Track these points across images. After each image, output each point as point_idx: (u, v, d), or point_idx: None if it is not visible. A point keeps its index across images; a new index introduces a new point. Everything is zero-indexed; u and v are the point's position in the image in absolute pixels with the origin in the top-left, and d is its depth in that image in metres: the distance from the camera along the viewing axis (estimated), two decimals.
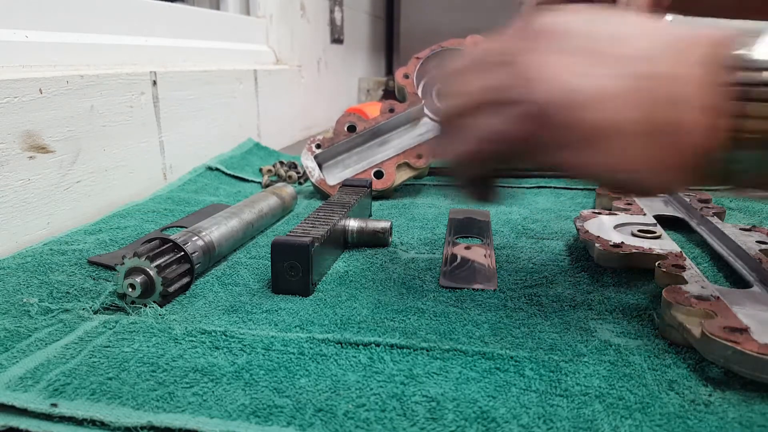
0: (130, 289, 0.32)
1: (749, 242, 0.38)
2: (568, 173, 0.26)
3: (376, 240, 0.41)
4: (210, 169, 0.66)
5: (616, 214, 0.44)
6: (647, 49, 0.24)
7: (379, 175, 0.57)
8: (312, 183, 0.58)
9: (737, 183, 0.25)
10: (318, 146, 0.58)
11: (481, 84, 0.27)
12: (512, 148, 0.26)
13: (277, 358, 0.27)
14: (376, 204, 0.56)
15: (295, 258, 0.34)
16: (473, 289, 0.35)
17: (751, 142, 0.23)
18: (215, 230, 0.39)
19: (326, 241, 0.36)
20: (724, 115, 0.23)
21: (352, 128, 0.59)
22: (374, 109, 1.05)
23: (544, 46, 0.25)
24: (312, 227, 0.37)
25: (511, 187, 0.63)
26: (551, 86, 0.24)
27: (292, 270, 0.34)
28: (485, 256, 0.40)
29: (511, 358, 0.27)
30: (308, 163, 0.57)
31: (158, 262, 0.32)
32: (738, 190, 0.25)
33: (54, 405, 0.23)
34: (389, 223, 0.41)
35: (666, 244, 0.38)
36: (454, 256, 0.40)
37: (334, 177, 0.58)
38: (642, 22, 0.26)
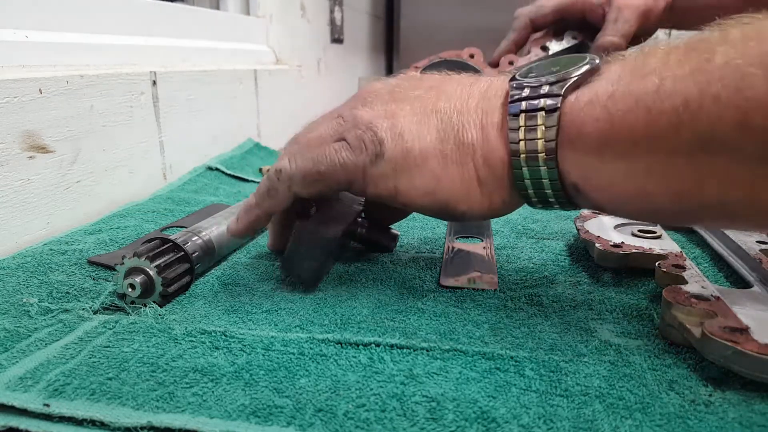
0: (129, 289, 0.31)
1: (749, 242, 0.38)
2: (398, 203, 0.31)
3: (382, 245, 0.40)
4: (210, 169, 0.66)
5: None
6: (442, 93, 0.30)
7: None
8: None
9: (544, 202, 0.29)
10: None
11: (324, 128, 0.33)
12: (349, 179, 0.31)
13: (277, 358, 0.27)
14: None
15: (318, 247, 0.33)
16: (473, 289, 0.35)
17: (529, 158, 0.27)
18: (215, 230, 0.39)
19: (344, 235, 0.36)
20: (501, 134, 0.28)
21: None
22: None
23: (367, 103, 0.32)
24: (331, 219, 0.36)
25: None
26: (379, 129, 0.30)
27: (311, 257, 0.34)
28: (485, 256, 0.40)
29: (512, 358, 0.27)
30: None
31: (158, 262, 0.32)
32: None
33: (46, 405, 0.23)
34: (398, 233, 0.41)
35: (666, 244, 0.38)
36: (453, 256, 0.40)
37: None
38: (458, 79, 0.32)
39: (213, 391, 0.24)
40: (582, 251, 0.41)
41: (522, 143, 0.27)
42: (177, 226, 0.47)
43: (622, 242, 0.37)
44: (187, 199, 0.56)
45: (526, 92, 0.27)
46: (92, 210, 0.50)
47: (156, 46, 0.65)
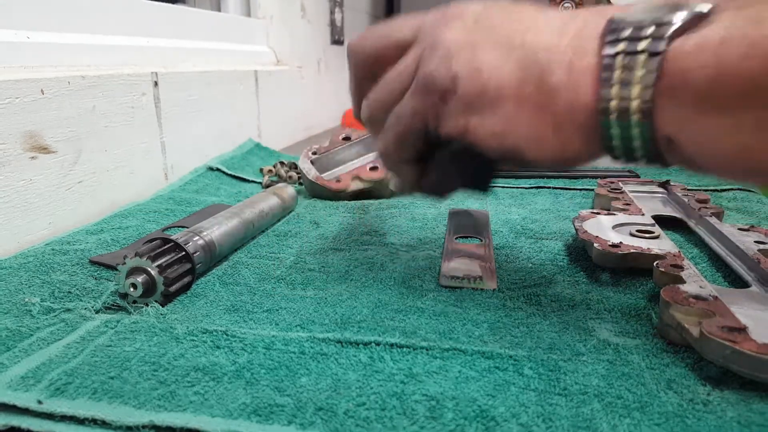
0: (131, 289, 0.32)
1: (747, 242, 0.39)
2: (467, 141, 0.28)
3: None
4: (211, 169, 0.66)
5: (614, 214, 0.45)
6: (532, 26, 0.27)
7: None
8: (307, 183, 0.59)
9: (629, 156, 0.26)
10: (314, 153, 0.61)
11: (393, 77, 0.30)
12: (425, 122, 0.29)
13: (278, 357, 0.27)
14: (375, 203, 0.56)
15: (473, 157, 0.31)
16: (473, 289, 0.35)
17: (621, 106, 0.24)
18: (216, 230, 0.39)
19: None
20: (591, 78, 0.25)
21: (347, 139, 0.63)
22: None
23: (450, 25, 0.29)
24: None
25: (511, 187, 0.63)
26: (455, 59, 0.27)
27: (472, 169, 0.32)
28: (485, 256, 0.40)
29: (511, 357, 0.27)
30: (305, 165, 0.59)
31: (160, 261, 0.32)
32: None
33: (39, 402, 0.23)
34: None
35: (664, 244, 0.38)
36: (453, 256, 0.40)
37: (329, 176, 0.60)
38: (554, 14, 0.28)
39: (214, 390, 0.24)
40: (580, 251, 0.41)
41: (615, 88, 0.24)
42: (178, 226, 0.47)
43: (621, 242, 0.38)
44: (188, 199, 0.56)
45: (626, 33, 0.24)
46: (94, 210, 0.51)
47: (157, 47, 0.65)
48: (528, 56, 0.26)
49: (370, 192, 0.59)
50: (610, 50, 0.25)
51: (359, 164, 0.61)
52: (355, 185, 0.58)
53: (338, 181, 0.59)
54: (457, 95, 0.27)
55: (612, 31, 0.25)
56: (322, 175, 0.59)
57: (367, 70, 0.34)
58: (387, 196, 0.60)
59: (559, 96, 0.26)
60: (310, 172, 0.59)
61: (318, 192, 0.59)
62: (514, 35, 0.27)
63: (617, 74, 0.24)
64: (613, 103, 0.25)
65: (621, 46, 0.24)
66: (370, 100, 0.32)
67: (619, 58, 0.24)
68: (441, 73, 0.27)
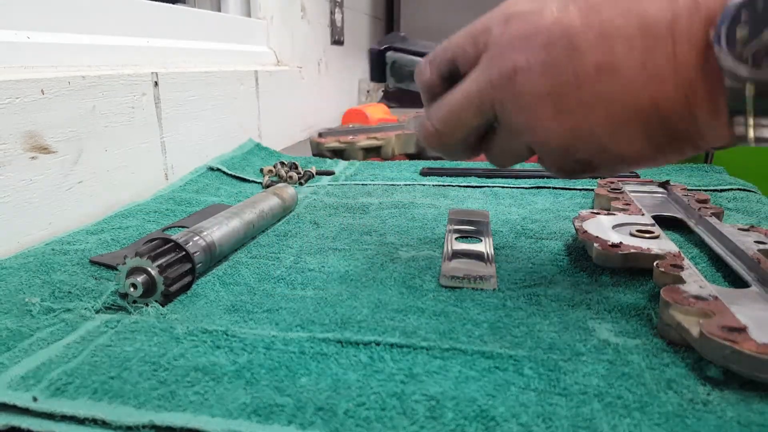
0: (131, 289, 0.32)
1: (747, 242, 0.39)
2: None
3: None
4: (211, 169, 0.66)
5: (614, 214, 0.45)
6: None
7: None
8: (312, 140, 0.76)
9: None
10: (320, 135, 0.76)
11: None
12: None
13: (278, 357, 0.27)
14: (375, 202, 0.56)
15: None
16: (473, 289, 0.35)
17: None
18: (216, 230, 0.39)
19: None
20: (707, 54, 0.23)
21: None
22: (375, 111, 1.06)
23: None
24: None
25: (511, 187, 0.63)
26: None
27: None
28: (485, 256, 0.40)
29: (511, 357, 0.27)
30: (312, 136, 0.78)
31: (160, 261, 0.32)
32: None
33: (35, 399, 0.23)
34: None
35: (664, 244, 0.38)
36: (453, 256, 0.40)
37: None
38: None
39: (214, 390, 0.24)
40: (581, 251, 0.41)
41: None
42: (178, 226, 0.47)
43: (621, 242, 0.38)
44: (188, 199, 0.56)
45: None
46: (94, 210, 0.51)
47: (157, 48, 0.65)
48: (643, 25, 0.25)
49: (378, 149, 0.73)
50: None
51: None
52: (366, 143, 0.70)
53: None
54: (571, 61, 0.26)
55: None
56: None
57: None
58: (390, 156, 0.74)
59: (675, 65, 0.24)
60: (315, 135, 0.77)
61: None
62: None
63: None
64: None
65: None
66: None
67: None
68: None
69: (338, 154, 0.78)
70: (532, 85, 0.27)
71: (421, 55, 0.37)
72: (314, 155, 0.80)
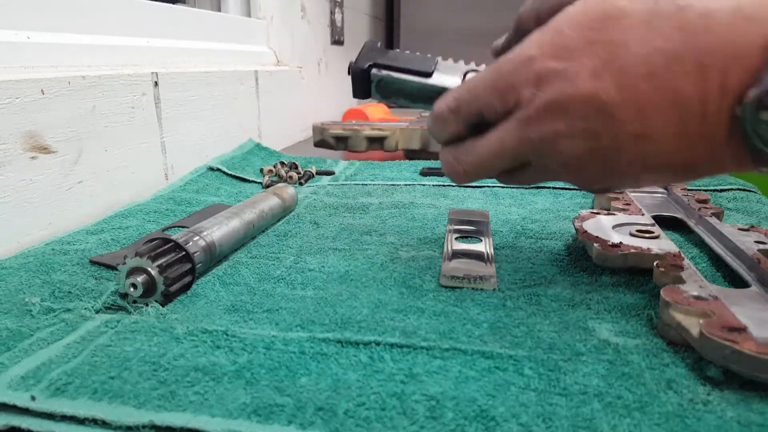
0: (131, 289, 0.32)
1: (747, 242, 0.39)
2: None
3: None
4: (211, 169, 0.66)
5: (614, 214, 0.45)
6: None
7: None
8: (315, 126, 0.77)
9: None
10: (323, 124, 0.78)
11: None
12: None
13: (278, 357, 0.27)
14: (375, 202, 0.56)
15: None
16: (473, 289, 0.35)
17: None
18: (216, 230, 0.39)
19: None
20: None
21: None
22: (375, 111, 1.06)
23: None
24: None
25: (511, 187, 0.63)
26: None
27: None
28: (485, 256, 0.40)
29: (511, 357, 0.27)
30: (315, 123, 0.79)
31: (160, 261, 0.32)
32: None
33: (33, 398, 0.23)
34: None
35: (664, 244, 0.38)
36: (453, 256, 0.40)
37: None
38: None
39: (214, 390, 0.24)
40: (581, 251, 0.41)
41: None
42: (178, 226, 0.47)
43: (621, 242, 0.38)
44: (188, 199, 0.56)
45: None
46: (94, 210, 0.51)
47: (157, 48, 0.65)
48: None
49: (382, 140, 0.75)
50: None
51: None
52: (371, 132, 0.73)
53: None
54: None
55: None
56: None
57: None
58: (393, 149, 0.76)
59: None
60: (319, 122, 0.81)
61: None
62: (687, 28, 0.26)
63: None
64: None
65: None
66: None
67: None
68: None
69: (342, 141, 0.77)
70: (574, 148, 0.28)
71: (408, 72, 0.37)
72: (316, 144, 0.79)
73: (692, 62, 0.25)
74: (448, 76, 0.37)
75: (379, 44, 0.39)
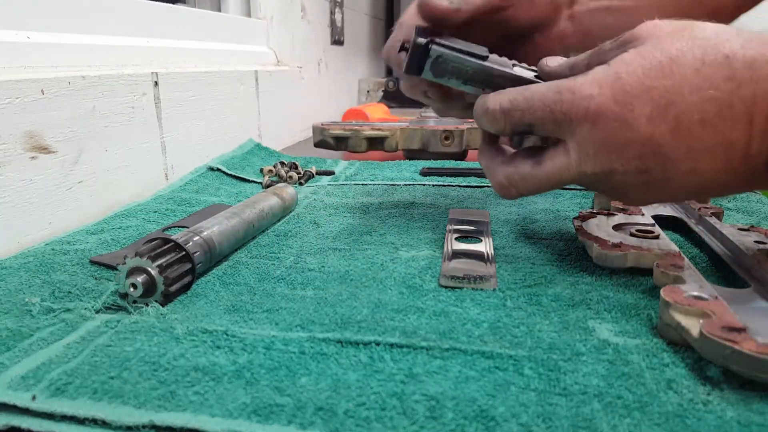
0: (131, 289, 0.32)
1: (747, 242, 0.39)
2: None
3: None
4: (211, 169, 0.66)
5: (614, 215, 0.45)
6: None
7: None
8: (315, 126, 0.77)
9: None
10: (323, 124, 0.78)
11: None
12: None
13: (278, 357, 0.27)
14: (375, 202, 0.56)
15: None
16: (473, 289, 0.35)
17: None
18: (216, 230, 0.39)
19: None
20: None
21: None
22: (375, 110, 1.06)
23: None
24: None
25: None
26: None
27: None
28: (485, 256, 0.40)
29: (511, 357, 0.27)
30: (315, 123, 0.79)
31: (160, 261, 0.32)
32: None
33: (33, 398, 0.23)
34: None
35: (664, 244, 0.38)
36: (453, 256, 0.40)
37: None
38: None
39: (214, 390, 0.24)
40: (581, 251, 0.41)
41: None
42: (178, 226, 0.47)
43: (621, 242, 0.38)
44: (188, 199, 0.56)
45: None
46: (94, 210, 0.51)
47: (158, 48, 0.65)
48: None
49: (382, 140, 0.75)
50: None
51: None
52: (371, 132, 0.74)
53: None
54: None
55: None
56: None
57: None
58: (393, 149, 0.77)
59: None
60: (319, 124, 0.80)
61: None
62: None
63: None
64: None
65: None
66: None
67: None
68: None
69: (342, 142, 0.77)
70: (627, 182, 0.32)
71: (469, 54, 0.37)
72: (316, 144, 0.79)
73: (741, 111, 0.28)
74: (501, 60, 0.38)
75: (427, 27, 0.39)
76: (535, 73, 0.38)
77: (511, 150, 0.38)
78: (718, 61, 0.28)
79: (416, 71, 0.38)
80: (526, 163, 0.35)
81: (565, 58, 0.36)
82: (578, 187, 0.62)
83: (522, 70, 0.38)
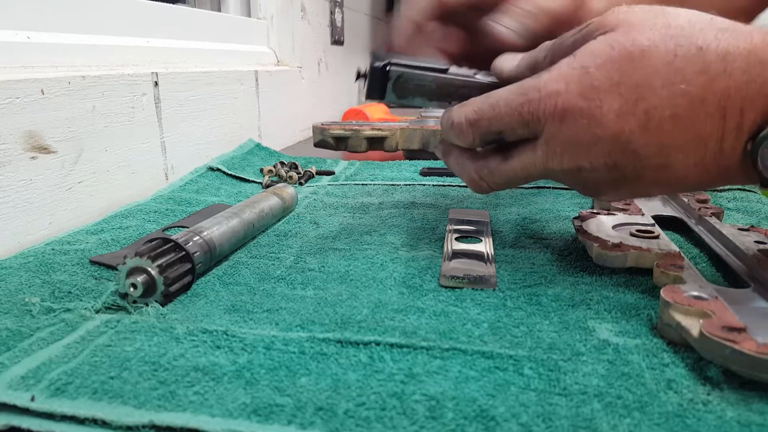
0: (131, 289, 0.32)
1: (747, 242, 0.39)
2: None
3: None
4: (211, 169, 0.66)
5: (614, 214, 0.45)
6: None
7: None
8: (315, 126, 0.76)
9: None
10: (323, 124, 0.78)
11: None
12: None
13: (278, 357, 0.27)
14: (375, 202, 0.56)
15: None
16: (473, 289, 0.35)
17: None
18: (216, 230, 0.39)
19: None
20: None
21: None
22: (375, 110, 1.06)
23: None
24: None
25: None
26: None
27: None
28: (485, 256, 0.40)
29: (511, 357, 0.27)
30: (315, 123, 0.78)
31: (160, 261, 0.32)
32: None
33: (32, 399, 0.23)
34: None
35: (664, 244, 0.38)
36: (453, 256, 0.40)
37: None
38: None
39: (214, 390, 0.24)
40: (581, 251, 0.41)
41: None
42: (178, 226, 0.47)
43: (621, 242, 0.38)
44: (188, 199, 0.56)
45: None
46: (94, 210, 0.51)
47: (158, 48, 0.65)
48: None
49: (382, 140, 0.75)
50: None
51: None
52: (371, 132, 0.74)
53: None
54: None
55: None
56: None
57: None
58: (393, 149, 0.75)
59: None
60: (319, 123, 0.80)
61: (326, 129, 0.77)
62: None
63: None
64: None
65: None
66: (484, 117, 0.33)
67: None
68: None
69: (342, 142, 0.77)
70: (596, 179, 0.31)
71: (428, 70, 0.37)
72: (316, 144, 0.79)
73: (714, 105, 0.27)
74: (461, 71, 0.38)
75: (385, 50, 0.39)
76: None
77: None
78: (690, 54, 0.27)
79: (378, 96, 0.38)
80: (495, 158, 0.34)
81: (520, 54, 0.35)
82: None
83: (485, 77, 0.37)
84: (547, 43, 0.34)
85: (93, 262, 0.39)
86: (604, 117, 0.28)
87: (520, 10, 0.37)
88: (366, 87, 0.37)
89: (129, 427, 0.22)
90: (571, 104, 0.29)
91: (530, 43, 0.37)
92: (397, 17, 0.41)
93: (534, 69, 0.33)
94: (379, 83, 0.37)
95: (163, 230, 0.46)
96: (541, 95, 0.30)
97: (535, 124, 0.31)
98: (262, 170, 0.69)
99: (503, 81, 0.35)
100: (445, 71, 0.37)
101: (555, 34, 0.36)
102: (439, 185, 0.64)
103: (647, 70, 0.28)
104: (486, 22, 0.38)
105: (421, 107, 0.39)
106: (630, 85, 0.28)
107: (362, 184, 0.65)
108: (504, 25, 0.37)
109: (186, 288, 0.35)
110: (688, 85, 0.27)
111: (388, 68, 0.37)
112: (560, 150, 0.30)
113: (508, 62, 0.36)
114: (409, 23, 0.40)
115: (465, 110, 0.33)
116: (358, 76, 0.38)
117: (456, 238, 0.44)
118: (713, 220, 0.44)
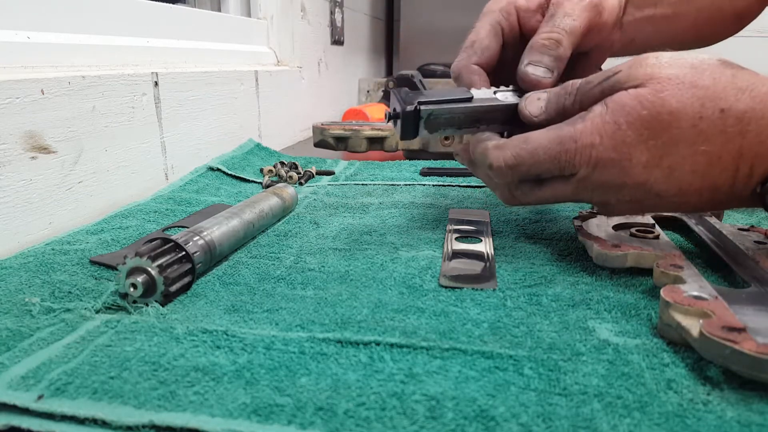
0: (131, 289, 0.32)
1: (747, 242, 0.39)
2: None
3: None
4: (211, 169, 0.66)
5: None
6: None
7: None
8: (315, 126, 0.78)
9: None
10: (323, 124, 0.79)
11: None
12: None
13: (278, 357, 0.27)
14: (375, 202, 0.56)
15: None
16: (473, 289, 0.35)
17: None
18: (216, 230, 0.39)
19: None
20: None
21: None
22: (375, 110, 1.06)
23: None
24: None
25: None
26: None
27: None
28: (485, 256, 0.40)
29: (511, 357, 0.27)
30: (315, 123, 0.79)
31: (160, 261, 0.32)
32: None
33: (40, 397, 0.23)
34: None
35: (664, 244, 0.38)
36: (453, 256, 0.40)
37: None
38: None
39: (214, 390, 0.24)
40: (581, 251, 0.41)
41: None
42: (178, 226, 0.47)
43: (621, 242, 0.38)
44: (188, 199, 0.56)
45: None
46: (94, 210, 0.51)
47: (158, 48, 0.65)
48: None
49: (382, 140, 0.76)
50: None
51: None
52: (371, 132, 0.75)
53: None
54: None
55: None
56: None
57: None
58: (393, 149, 0.78)
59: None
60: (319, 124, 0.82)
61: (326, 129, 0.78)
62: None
63: None
64: None
65: None
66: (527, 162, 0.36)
67: None
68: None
69: (342, 142, 0.78)
70: (621, 208, 0.36)
71: (454, 102, 0.38)
72: (316, 144, 0.79)
73: (729, 162, 0.31)
74: (483, 95, 0.39)
75: (405, 89, 0.40)
76: (518, 93, 0.39)
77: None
78: (714, 117, 0.30)
79: (412, 135, 0.39)
80: (529, 183, 0.37)
81: (545, 94, 0.38)
82: None
83: (506, 95, 0.39)
84: (572, 86, 0.36)
85: (93, 262, 0.39)
86: (633, 168, 0.32)
87: (557, 20, 0.40)
88: (400, 130, 0.39)
89: (129, 427, 0.22)
90: (604, 156, 0.33)
91: (561, 70, 0.40)
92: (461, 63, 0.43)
93: (563, 114, 0.36)
94: (412, 125, 0.39)
95: (163, 230, 0.46)
96: (578, 146, 0.33)
97: (570, 168, 0.34)
98: (262, 170, 0.69)
99: (533, 126, 0.37)
100: (469, 100, 0.39)
101: (581, 49, 0.42)
102: (439, 185, 0.64)
103: (674, 131, 0.31)
104: (519, 69, 0.40)
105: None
106: (657, 144, 0.32)
107: (362, 184, 0.65)
108: (535, 63, 0.39)
109: (186, 288, 0.35)
110: (709, 146, 0.31)
111: (419, 108, 0.38)
112: (591, 188, 0.34)
113: (534, 106, 0.38)
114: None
115: (504, 155, 0.36)
116: (389, 117, 0.40)
117: (456, 238, 0.44)
118: (713, 220, 0.44)
